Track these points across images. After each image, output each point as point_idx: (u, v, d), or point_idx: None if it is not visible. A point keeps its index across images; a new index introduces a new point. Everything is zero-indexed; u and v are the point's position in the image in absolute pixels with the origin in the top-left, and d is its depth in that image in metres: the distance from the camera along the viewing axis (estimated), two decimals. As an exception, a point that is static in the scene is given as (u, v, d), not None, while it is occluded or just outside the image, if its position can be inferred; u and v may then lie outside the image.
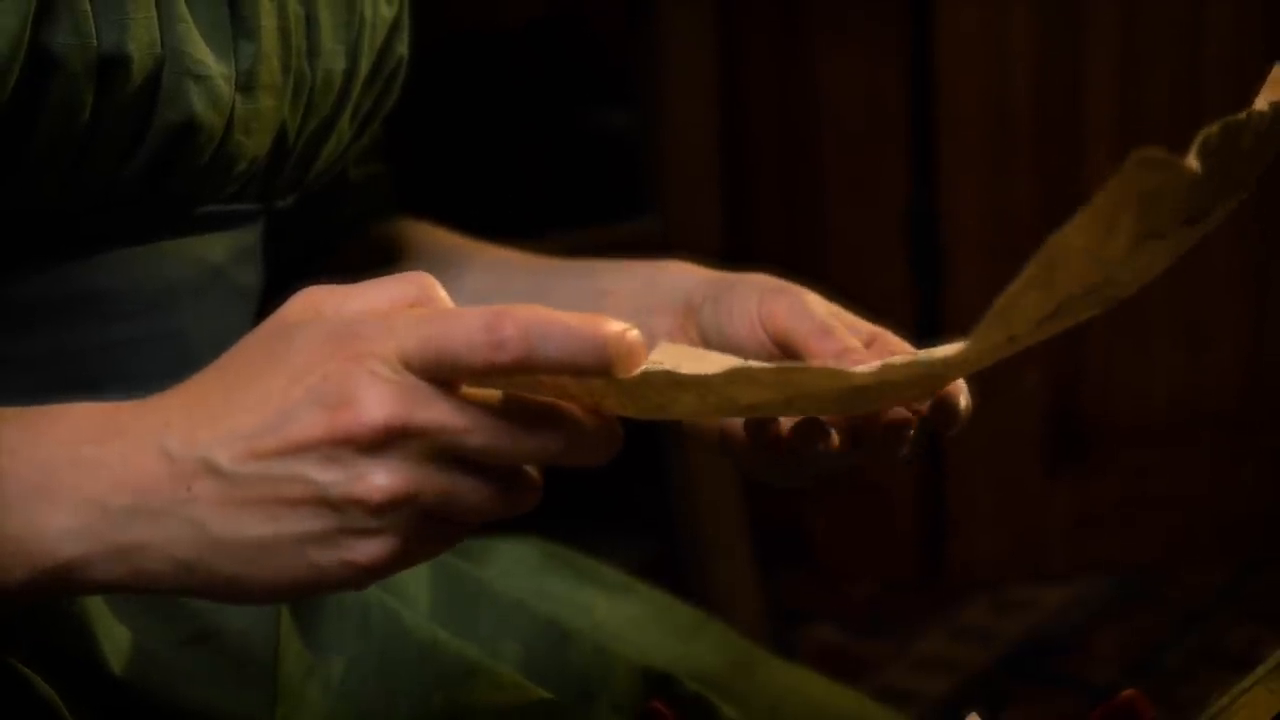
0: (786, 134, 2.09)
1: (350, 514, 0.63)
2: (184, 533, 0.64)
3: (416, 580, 0.95)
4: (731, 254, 0.87)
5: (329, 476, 0.63)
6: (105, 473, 0.65)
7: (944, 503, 2.14)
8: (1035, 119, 2.01)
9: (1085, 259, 0.61)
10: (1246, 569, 2.14)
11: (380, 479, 0.63)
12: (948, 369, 0.66)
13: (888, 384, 0.66)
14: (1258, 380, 2.14)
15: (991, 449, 2.12)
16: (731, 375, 0.64)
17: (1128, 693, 0.74)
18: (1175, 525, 2.16)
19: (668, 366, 0.64)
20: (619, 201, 1.81)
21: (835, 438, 0.78)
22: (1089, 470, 2.14)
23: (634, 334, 0.63)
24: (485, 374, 0.63)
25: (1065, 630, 2.06)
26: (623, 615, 1.00)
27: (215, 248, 0.86)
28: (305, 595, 0.84)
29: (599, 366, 0.63)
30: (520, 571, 1.01)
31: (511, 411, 0.63)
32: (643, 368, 0.64)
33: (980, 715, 0.75)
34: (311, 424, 0.62)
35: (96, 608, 0.80)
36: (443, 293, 0.67)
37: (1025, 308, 0.63)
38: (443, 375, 0.63)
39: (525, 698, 0.86)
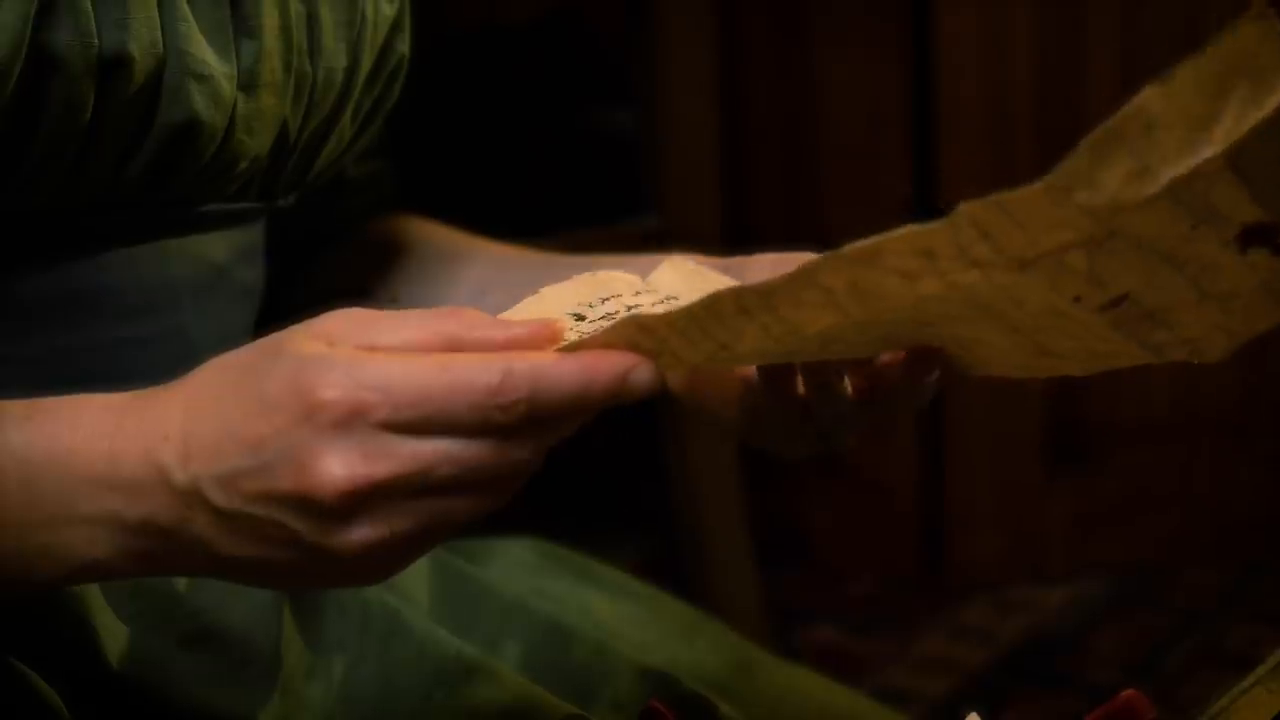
0: (786, 133, 2.09)
1: (329, 556, 0.64)
2: (192, 546, 0.66)
3: (416, 580, 0.95)
4: (732, 253, 0.87)
5: (303, 526, 0.64)
6: (117, 492, 0.66)
7: (944, 503, 2.14)
8: (1035, 119, 2.01)
9: (1180, 131, 0.56)
10: (1247, 569, 2.14)
11: (352, 534, 0.63)
12: (1017, 212, 0.58)
13: (971, 245, 0.59)
14: (1258, 381, 2.14)
15: (992, 449, 2.12)
16: (801, 278, 0.62)
17: (1128, 693, 0.74)
18: (1175, 526, 2.16)
19: (678, 292, 0.64)
20: (619, 200, 1.81)
21: (848, 384, 0.78)
22: (1089, 470, 2.14)
23: (641, 371, 0.64)
24: (480, 432, 0.63)
25: (1065, 630, 2.06)
26: (623, 615, 1.00)
27: (217, 246, 0.86)
28: (314, 591, 0.85)
29: (603, 404, 0.64)
30: (520, 571, 1.01)
31: (477, 428, 0.63)
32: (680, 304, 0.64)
33: (980, 715, 0.75)
34: (283, 479, 0.63)
35: (97, 606, 0.80)
36: (484, 320, 0.66)
37: (1112, 174, 0.57)
38: (431, 430, 0.63)
39: (525, 697, 0.86)
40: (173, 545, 0.66)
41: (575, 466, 0.71)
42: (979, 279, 0.61)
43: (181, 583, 0.83)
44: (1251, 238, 0.60)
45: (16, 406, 0.69)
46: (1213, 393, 2.13)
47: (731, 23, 1.94)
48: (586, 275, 0.70)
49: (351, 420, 0.62)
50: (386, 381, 0.62)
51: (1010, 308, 0.64)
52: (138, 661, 0.81)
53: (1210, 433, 2.15)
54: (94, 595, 0.80)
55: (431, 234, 1.03)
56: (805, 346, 0.68)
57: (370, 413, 0.62)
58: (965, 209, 0.59)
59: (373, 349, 0.64)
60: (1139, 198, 0.57)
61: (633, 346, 0.65)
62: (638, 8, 1.72)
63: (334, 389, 0.62)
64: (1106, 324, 0.64)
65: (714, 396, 0.83)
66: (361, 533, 0.63)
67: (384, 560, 0.65)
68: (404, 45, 0.92)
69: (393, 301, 0.99)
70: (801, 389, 0.79)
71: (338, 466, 0.62)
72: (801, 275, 0.62)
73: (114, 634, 0.81)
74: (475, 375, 0.62)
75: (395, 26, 0.91)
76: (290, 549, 0.65)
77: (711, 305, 0.63)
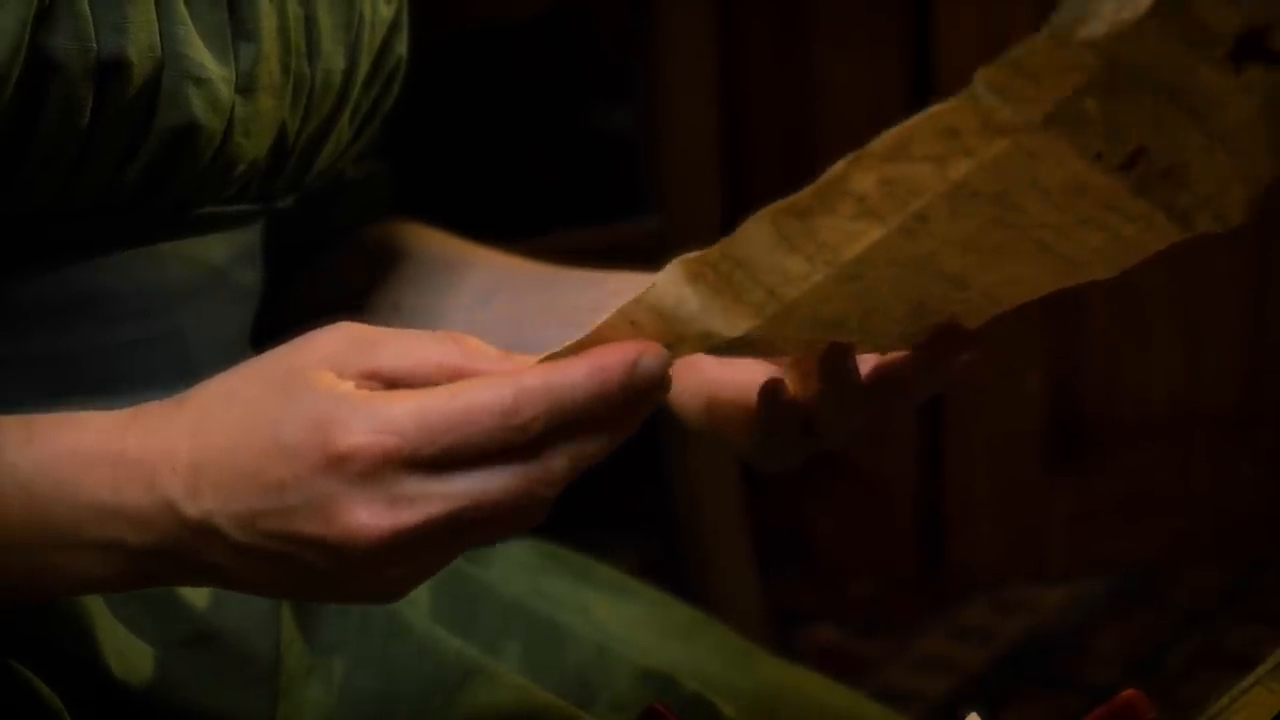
0: (786, 133, 2.09)
1: (353, 587, 0.65)
2: (201, 567, 0.66)
3: (416, 580, 0.95)
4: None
5: (331, 566, 0.64)
6: (123, 521, 0.66)
7: (944, 502, 2.14)
8: (1035, 118, 2.01)
9: None
10: (1247, 569, 2.14)
11: (381, 575, 0.64)
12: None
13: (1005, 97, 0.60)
14: (1258, 379, 2.14)
15: (992, 448, 2.12)
16: (833, 185, 0.61)
17: (1128, 693, 0.74)
18: (1175, 525, 2.16)
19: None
20: (619, 201, 1.80)
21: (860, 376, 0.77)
22: (1089, 470, 2.14)
23: (649, 356, 0.63)
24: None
25: (1065, 630, 2.06)
26: (623, 615, 1.00)
27: (215, 249, 0.86)
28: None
29: (624, 399, 0.63)
30: (520, 572, 1.01)
31: (513, 479, 0.63)
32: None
33: (980, 715, 0.75)
34: (308, 524, 0.63)
35: (96, 609, 0.80)
36: (487, 351, 0.66)
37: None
38: (455, 461, 0.62)
39: (525, 698, 0.86)
40: (183, 569, 0.66)
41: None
42: (1006, 149, 0.61)
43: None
44: (1243, 51, 0.61)
45: (14, 427, 0.68)
46: (1212, 391, 2.13)
47: (731, 23, 1.94)
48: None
49: (375, 469, 0.62)
50: (403, 423, 0.62)
51: (1037, 202, 0.64)
52: (137, 663, 0.81)
53: (1210, 431, 2.15)
54: (93, 598, 0.80)
55: (432, 240, 1.03)
56: (846, 297, 0.67)
57: (392, 457, 0.62)
58: (980, 74, 0.60)
59: (376, 374, 0.64)
60: (1134, 17, 0.58)
61: (635, 330, 0.65)
62: (639, 6, 1.71)
63: (355, 436, 0.62)
64: (1129, 190, 0.64)
65: (719, 418, 0.83)
66: (392, 573, 0.64)
67: (411, 585, 0.65)
68: (402, 46, 0.92)
69: (394, 308, 0.99)
70: (803, 390, 0.78)
71: (367, 518, 0.62)
72: (832, 182, 0.62)
73: (113, 636, 0.81)
74: (487, 401, 0.62)
75: (393, 28, 0.91)
76: (312, 577, 0.65)
77: (749, 236, 0.63)
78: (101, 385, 0.80)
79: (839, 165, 0.61)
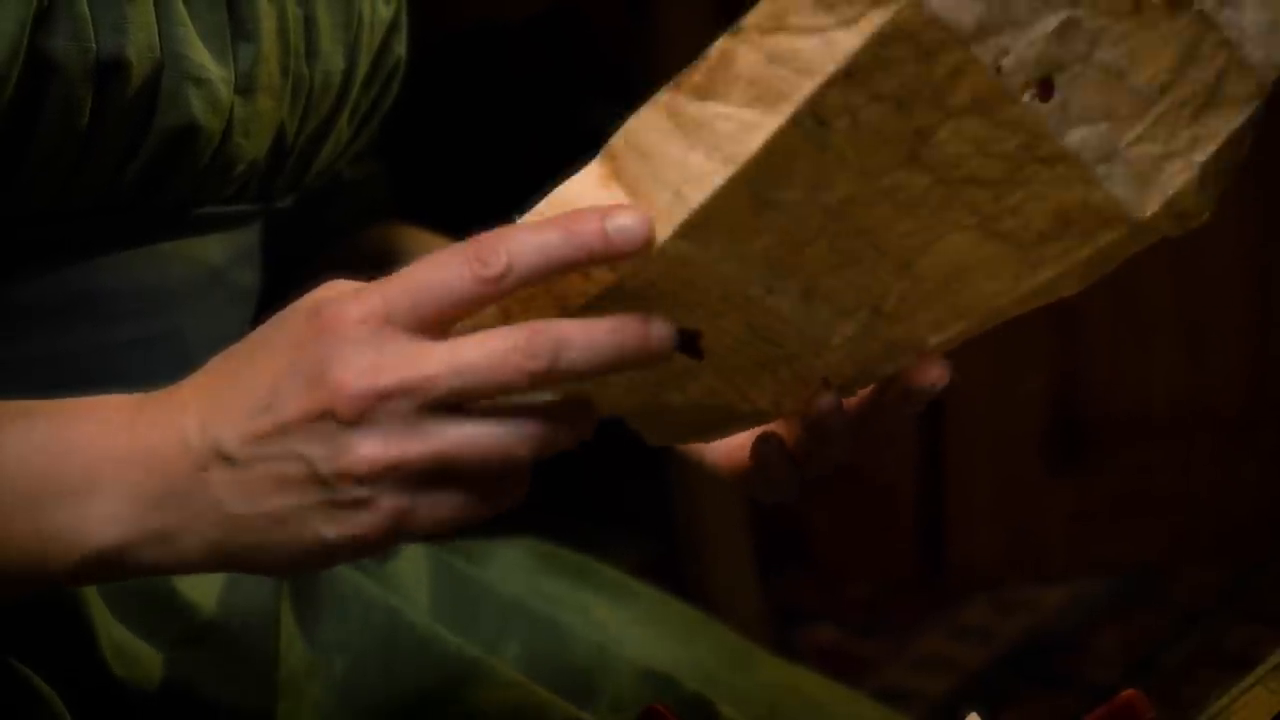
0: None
1: (342, 487, 0.64)
2: (207, 512, 0.66)
3: (417, 580, 0.95)
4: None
5: (317, 451, 0.64)
6: (137, 464, 0.67)
7: (944, 502, 2.14)
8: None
9: None
10: (1247, 569, 2.14)
11: (363, 449, 0.63)
12: None
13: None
14: (1259, 380, 2.14)
15: (992, 448, 2.12)
16: (718, 61, 0.61)
17: (1128, 693, 0.74)
18: (1175, 525, 2.16)
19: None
20: (619, 201, 1.80)
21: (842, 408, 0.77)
22: (1089, 470, 2.14)
23: (624, 215, 0.63)
24: (479, 301, 0.63)
25: (1065, 630, 2.06)
26: (623, 615, 1.00)
27: (214, 249, 0.86)
28: (323, 566, 0.85)
29: (598, 255, 0.63)
30: (519, 572, 1.01)
31: (497, 343, 0.63)
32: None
33: (980, 715, 0.75)
34: (295, 401, 0.64)
35: (96, 608, 0.80)
36: None
37: None
38: (432, 317, 0.63)
39: (525, 697, 0.86)
40: (187, 514, 0.66)
41: (575, 467, 0.70)
42: (886, 28, 0.59)
43: (179, 581, 0.83)
44: None
45: (46, 403, 0.70)
46: (1214, 391, 2.13)
47: (731, 20, 1.94)
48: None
49: (359, 330, 0.63)
50: (384, 283, 0.64)
51: (947, 130, 0.62)
52: (137, 662, 0.81)
53: (1210, 431, 2.15)
54: (92, 595, 0.80)
55: (429, 245, 1.03)
56: (769, 232, 0.64)
57: (375, 313, 0.63)
58: None
59: None
60: None
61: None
62: (637, 6, 1.71)
63: (343, 307, 0.64)
64: (1048, 126, 0.62)
65: (709, 462, 0.84)
66: (369, 448, 0.63)
67: (394, 504, 0.64)
68: (400, 47, 0.92)
69: None
70: (788, 431, 0.79)
71: (349, 377, 0.63)
72: (719, 61, 0.61)
73: (112, 633, 0.81)
74: (454, 247, 0.64)
75: (392, 28, 0.91)
76: (305, 488, 0.64)
77: (645, 121, 0.62)
78: (101, 385, 0.80)
79: (721, 41, 0.61)
